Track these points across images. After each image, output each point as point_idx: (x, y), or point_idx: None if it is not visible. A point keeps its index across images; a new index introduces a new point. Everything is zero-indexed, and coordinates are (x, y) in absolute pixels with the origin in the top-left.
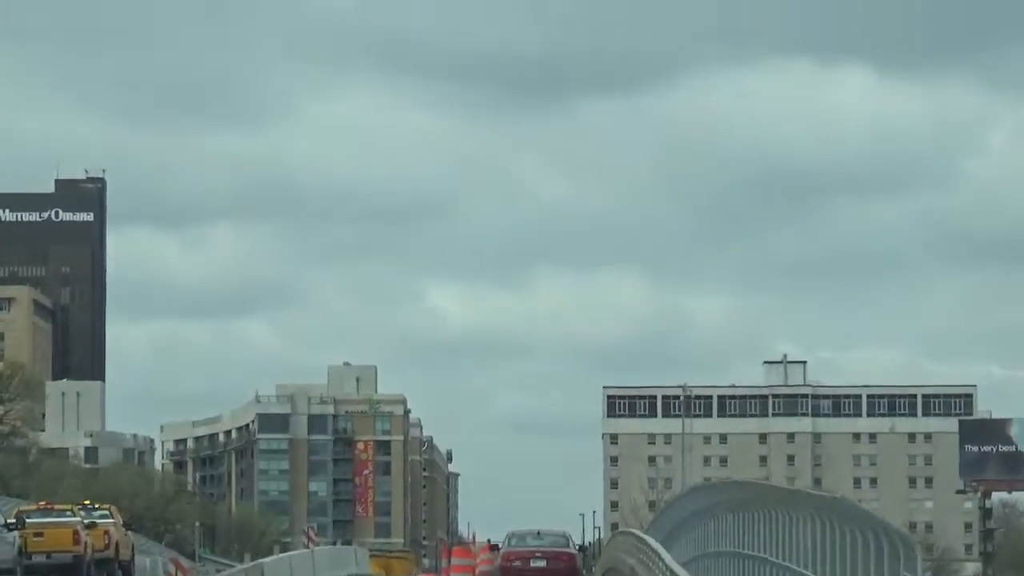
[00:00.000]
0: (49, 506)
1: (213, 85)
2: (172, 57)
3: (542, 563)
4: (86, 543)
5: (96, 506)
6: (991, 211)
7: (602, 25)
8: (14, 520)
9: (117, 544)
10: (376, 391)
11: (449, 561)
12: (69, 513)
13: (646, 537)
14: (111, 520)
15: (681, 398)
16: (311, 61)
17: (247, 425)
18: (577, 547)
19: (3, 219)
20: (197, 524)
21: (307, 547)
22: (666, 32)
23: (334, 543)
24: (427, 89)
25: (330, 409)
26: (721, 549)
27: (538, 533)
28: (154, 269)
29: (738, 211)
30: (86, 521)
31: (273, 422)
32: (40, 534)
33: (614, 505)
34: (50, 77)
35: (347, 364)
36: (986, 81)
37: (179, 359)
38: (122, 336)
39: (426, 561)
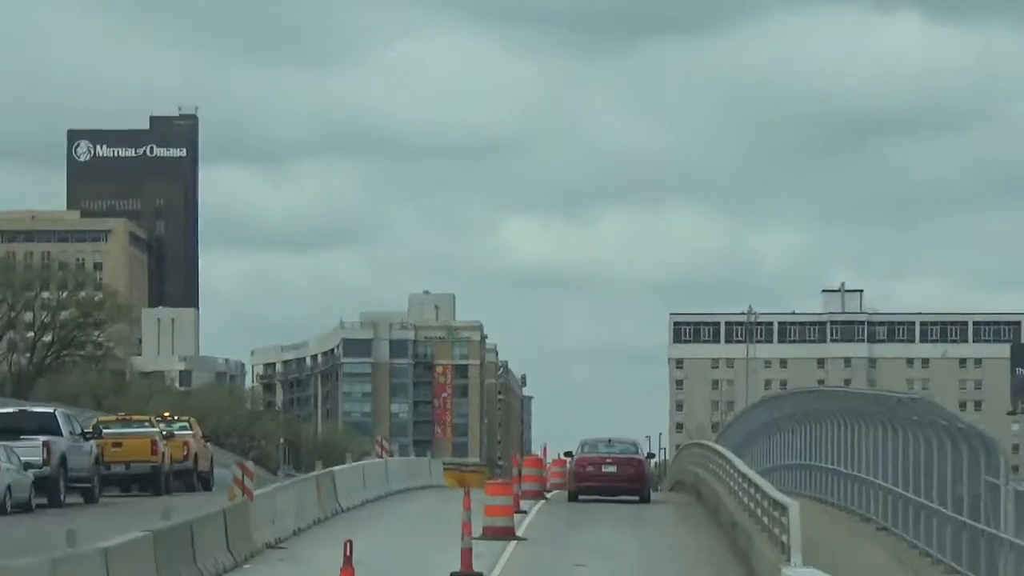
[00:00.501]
0: (128, 417)
1: (301, 28)
2: (263, 1)
3: (613, 468)
4: (163, 453)
5: (175, 418)
6: None
7: None
8: (91, 430)
9: (196, 455)
10: (454, 318)
11: (520, 471)
12: (147, 424)
13: (715, 445)
14: (190, 432)
15: (745, 325)
16: (393, 6)
17: (332, 350)
18: (646, 455)
19: (101, 154)
20: (281, 440)
21: (380, 457)
22: None
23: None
24: (501, 33)
25: (410, 335)
26: (790, 462)
27: (609, 441)
28: (243, 203)
29: (797, 150)
30: (164, 432)
31: (357, 347)
32: (119, 444)
33: (679, 427)
34: (146, 20)
35: (426, 292)
36: None
37: (268, 289)
38: (214, 266)
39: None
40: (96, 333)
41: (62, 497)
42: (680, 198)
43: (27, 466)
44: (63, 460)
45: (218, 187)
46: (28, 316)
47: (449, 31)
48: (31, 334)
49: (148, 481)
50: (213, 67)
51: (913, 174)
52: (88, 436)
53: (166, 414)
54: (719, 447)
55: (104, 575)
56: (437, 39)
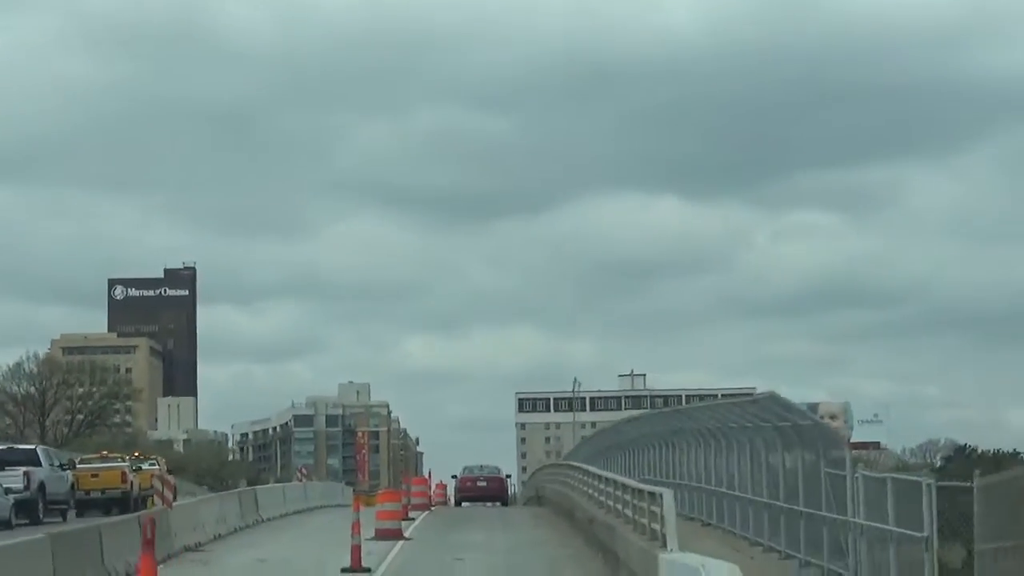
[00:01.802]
0: (105, 455)
1: (270, 212)
2: (246, 195)
3: (484, 483)
4: (132, 482)
5: (145, 457)
6: (757, 285)
7: (509, 171)
8: (68, 463)
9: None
10: (370, 399)
11: (409, 487)
12: (120, 460)
13: (566, 462)
14: (157, 467)
15: (572, 395)
16: (332, 198)
17: (287, 423)
18: (506, 475)
19: (131, 294)
20: (244, 480)
21: (301, 481)
22: (549, 179)
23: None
24: (402, 215)
25: (340, 411)
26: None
27: (481, 467)
28: (228, 327)
29: (599, 286)
30: (134, 467)
31: (304, 420)
32: (96, 475)
33: (524, 470)
34: (163, 204)
35: (351, 382)
36: (751, 203)
37: (243, 384)
38: (208, 370)
39: None
40: (117, 407)
41: (40, 516)
42: (523, 320)
43: (8, 491)
44: (42, 487)
45: (211, 315)
46: (68, 402)
47: (368, 213)
48: (70, 414)
49: (121, 504)
50: (209, 237)
51: (674, 301)
52: (65, 467)
53: (137, 454)
54: (571, 462)
55: None
56: (360, 219)
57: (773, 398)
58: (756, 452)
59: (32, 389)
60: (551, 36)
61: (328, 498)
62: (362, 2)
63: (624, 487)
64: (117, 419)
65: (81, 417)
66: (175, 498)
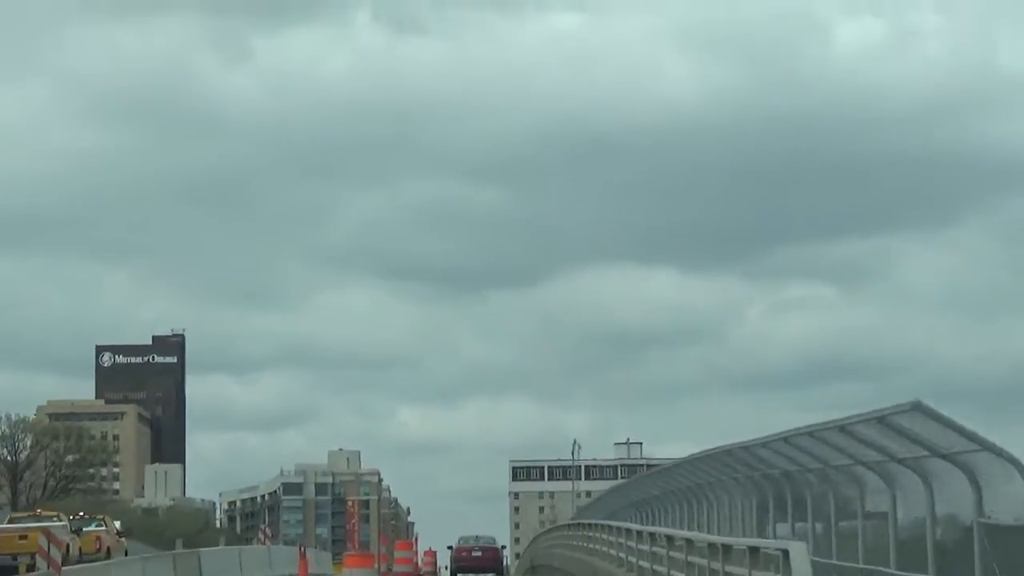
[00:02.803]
0: (38, 513)
1: (262, 282)
2: (238, 264)
3: (479, 553)
4: (68, 545)
5: (90, 516)
6: (750, 357)
7: (503, 242)
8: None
9: (108, 548)
10: (360, 467)
11: (390, 550)
12: (56, 519)
13: (583, 520)
14: (103, 528)
15: (571, 463)
16: (325, 268)
17: (275, 491)
18: (501, 546)
19: (119, 361)
20: (180, 541)
21: (263, 543)
22: (543, 250)
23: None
24: (395, 286)
25: (329, 479)
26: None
27: (476, 537)
28: (221, 396)
29: (593, 357)
30: (74, 528)
31: (293, 488)
32: (24, 536)
33: (517, 541)
34: (155, 272)
35: (340, 449)
36: (745, 275)
37: (230, 450)
38: (200, 439)
39: None
40: (92, 472)
41: None
42: (517, 390)
43: None
44: None
45: (202, 384)
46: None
47: (361, 284)
48: (44, 477)
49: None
50: (198, 305)
51: (668, 372)
52: None
53: (81, 513)
54: (590, 521)
55: None
56: (353, 289)
57: (921, 408)
58: (844, 500)
59: (4, 451)
60: (546, 105)
61: (294, 563)
62: (355, 73)
63: (719, 548)
64: (93, 483)
65: (53, 482)
66: (116, 555)
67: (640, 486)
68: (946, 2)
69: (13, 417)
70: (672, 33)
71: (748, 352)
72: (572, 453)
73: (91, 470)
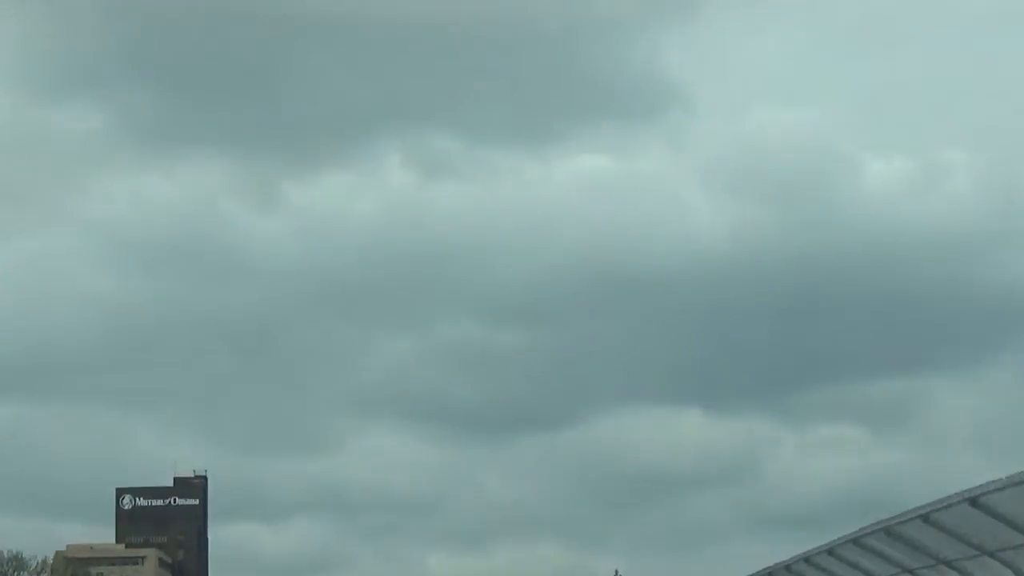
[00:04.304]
0: None
1: (289, 427)
2: (265, 409)
3: None
4: None
5: None
6: (781, 498)
7: (529, 384)
8: None
9: None
10: None
11: None
12: None
13: None
14: None
15: None
16: (352, 413)
17: None
18: None
19: (139, 504)
20: None
21: None
22: (572, 389)
23: None
24: (421, 428)
25: None
26: None
27: None
28: (247, 543)
29: (623, 501)
30: None
31: None
32: None
33: None
34: (180, 418)
35: None
36: (777, 416)
37: None
38: None
39: None
40: None
41: None
42: (547, 535)
43: None
44: None
45: (229, 531)
46: None
47: (388, 428)
48: None
49: None
50: (225, 451)
51: (696, 513)
52: None
53: None
54: None
55: None
56: (380, 433)
57: None
58: None
59: None
60: (571, 247)
61: None
62: (381, 218)
63: None
64: None
65: None
66: None
67: None
68: (978, 136)
69: (19, 554)
70: (699, 171)
71: (780, 492)
72: None
73: None
